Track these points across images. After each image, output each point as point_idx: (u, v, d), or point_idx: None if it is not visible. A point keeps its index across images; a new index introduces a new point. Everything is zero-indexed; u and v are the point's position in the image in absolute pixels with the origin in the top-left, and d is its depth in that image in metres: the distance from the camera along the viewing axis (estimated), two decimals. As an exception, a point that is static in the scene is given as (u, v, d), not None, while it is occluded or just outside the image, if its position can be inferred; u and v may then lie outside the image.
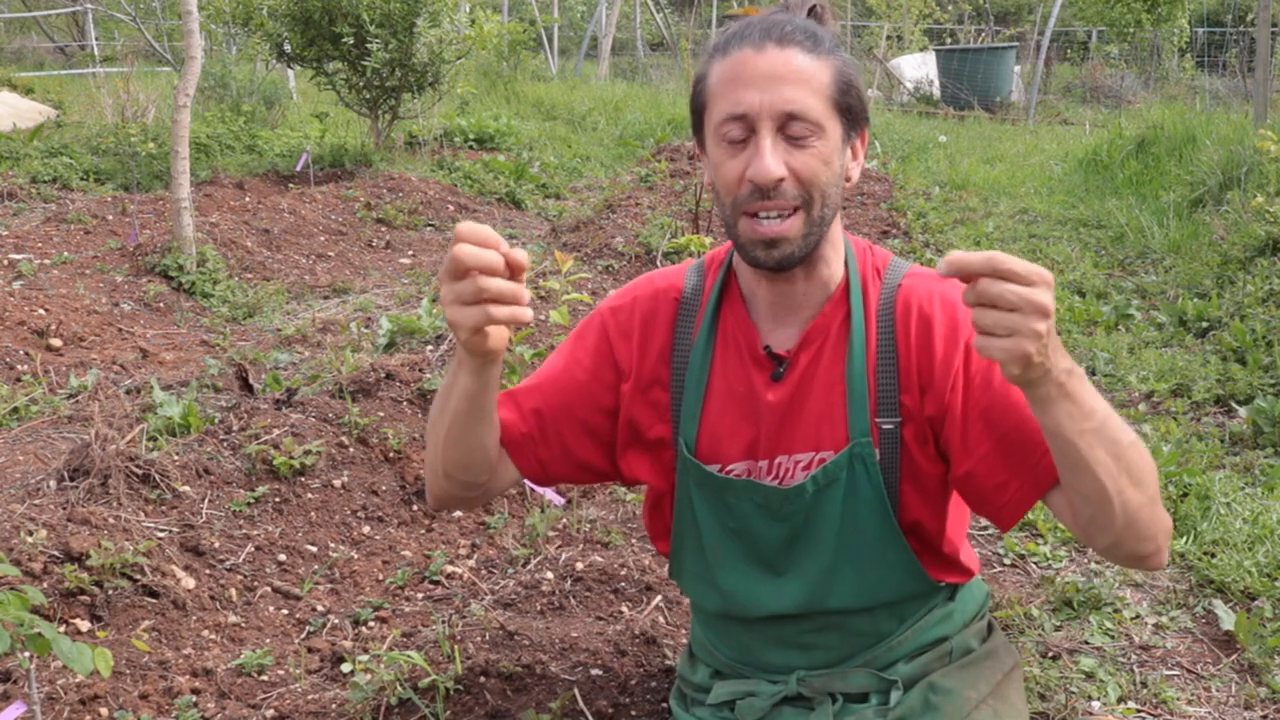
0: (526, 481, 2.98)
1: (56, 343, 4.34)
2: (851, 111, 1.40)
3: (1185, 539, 2.68)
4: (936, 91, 14.53)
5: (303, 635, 2.44)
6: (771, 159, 1.34)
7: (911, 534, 1.54)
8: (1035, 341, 1.14)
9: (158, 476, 2.72)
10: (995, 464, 1.41)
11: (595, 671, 2.06)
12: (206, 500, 2.76)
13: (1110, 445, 1.26)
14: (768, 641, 1.63)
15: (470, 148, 9.31)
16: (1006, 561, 2.72)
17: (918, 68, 15.26)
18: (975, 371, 1.42)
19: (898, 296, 1.48)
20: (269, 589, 2.57)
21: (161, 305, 5.04)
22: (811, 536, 1.53)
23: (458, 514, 2.97)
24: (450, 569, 2.68)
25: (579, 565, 2.56)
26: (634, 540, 2.72)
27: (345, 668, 2.22)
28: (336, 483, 2.93)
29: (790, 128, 1.35)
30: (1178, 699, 2.11)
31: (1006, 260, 1.13)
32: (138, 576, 2.39)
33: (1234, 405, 3.58)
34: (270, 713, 2.08)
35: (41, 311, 4.53)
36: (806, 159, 1.36)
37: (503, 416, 1.56)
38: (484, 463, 1.52)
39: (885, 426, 1.47)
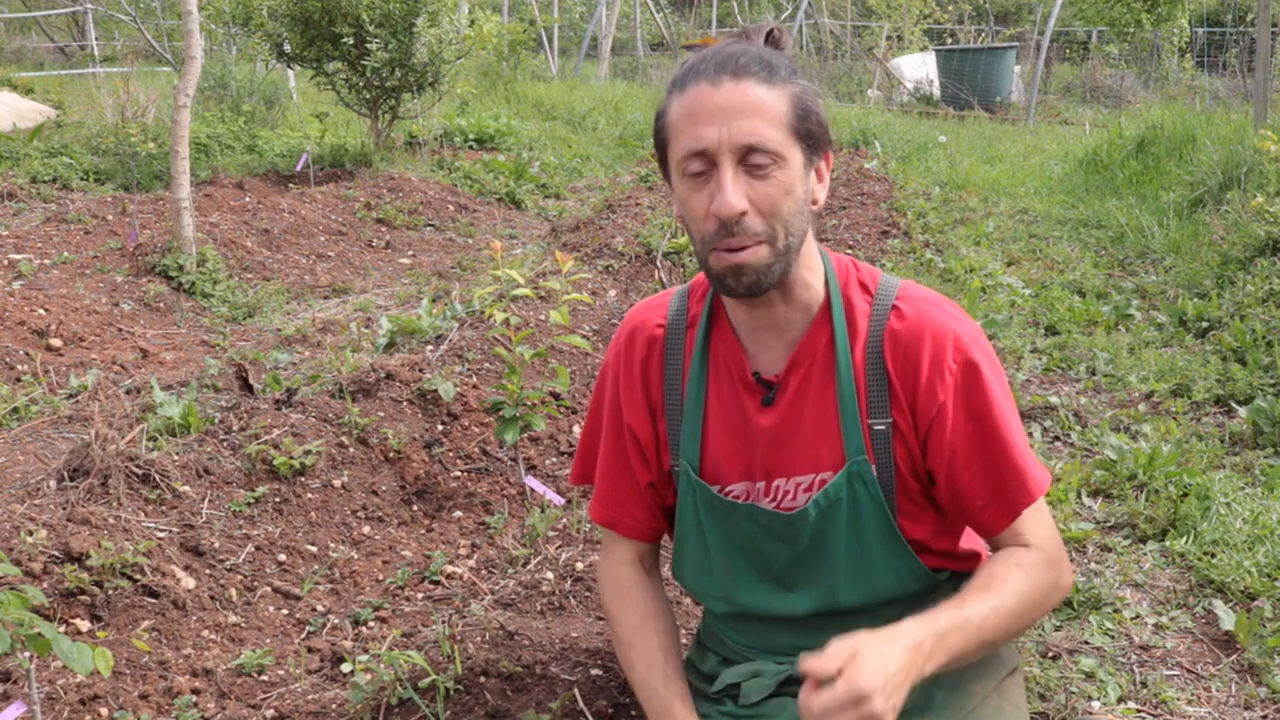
0: (531, 485, 2.98)
1: (56, 343, 4.34)
2: (812, 137, 1.42)
3: (1185, 539, 2.68)
4: (936, 91, 14.52)
5: (303, 635, 2.44)
6: (733, 193, 1.37)
7: (917, 538, 1.56)
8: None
9: (158, 476, 2.72)
10: (979, 486, 1.49)
11: (595, 671, 2.06)
12: (206, 500, 2.76)
13: (977, 643, 1.41)
14: (781, 630, 1.65)
15: (470, 148, 9.31)
16: (1006, 561, 2.72)
17: (918, 68, 15.26)
18: (961, 406, 1.48)
19: (888, 323, 1.51)
20: (269, 589, 2.57)
21: (161, 305, 5.04)
22: (819, 557, 1.56)
23: (457, 514, 2.97)
24: (450, 569, 2.68)
25: (579, 565, 2.56)
26: (634, 540, 2.72)
27: (345, 668, 2.22)
28: (336, 483, 2.93)
29: (750, 159, 1.37)
30: (1178, 699, 2.11)
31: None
32: (138, 576, 2.39)
33: (1234, 405, 3.58)
34: (270, 713, 2.08)
35: (41, 311, 4.53)
36: (768, 190, 1.38)
37: (633, 530, 1.70)
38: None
39: (878, 429, 1.50)
